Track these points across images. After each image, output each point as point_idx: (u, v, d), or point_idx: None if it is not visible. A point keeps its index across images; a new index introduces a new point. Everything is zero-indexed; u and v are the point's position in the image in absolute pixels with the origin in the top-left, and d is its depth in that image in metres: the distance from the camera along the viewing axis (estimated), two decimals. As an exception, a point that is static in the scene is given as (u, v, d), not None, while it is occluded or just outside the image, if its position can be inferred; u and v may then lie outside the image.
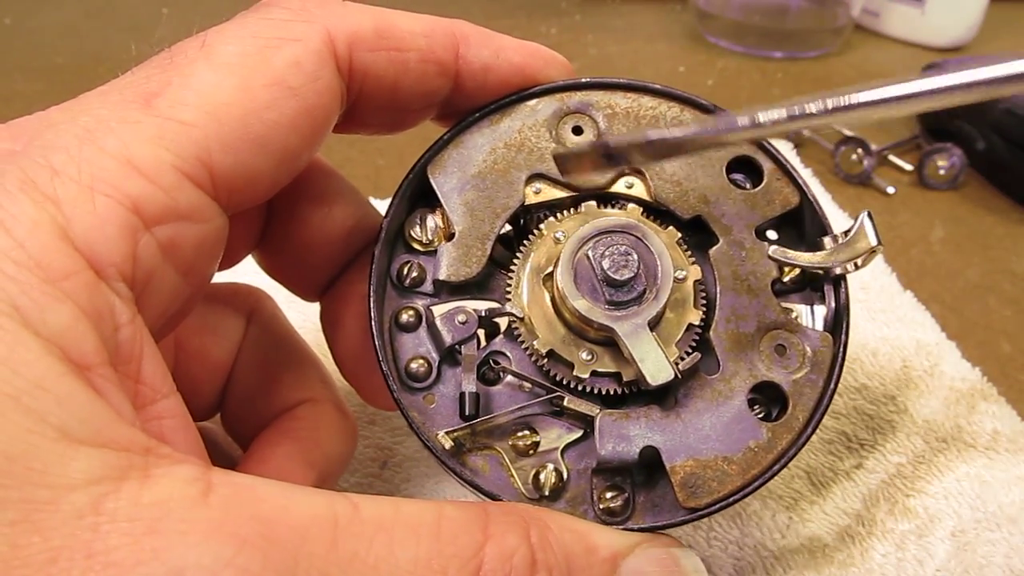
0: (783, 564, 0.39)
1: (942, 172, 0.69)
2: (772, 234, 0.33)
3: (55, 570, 0.18)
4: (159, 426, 0.23)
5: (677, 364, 0.29)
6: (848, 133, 0.71)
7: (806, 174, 0.69)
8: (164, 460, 0.20)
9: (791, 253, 0.31)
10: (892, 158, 0.72)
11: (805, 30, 0.96)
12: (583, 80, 0.33)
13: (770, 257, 0.31)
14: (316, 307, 0.37)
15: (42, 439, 0.18)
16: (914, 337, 0.50)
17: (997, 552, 0.39)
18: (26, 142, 0.22)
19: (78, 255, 0.21)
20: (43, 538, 0.18)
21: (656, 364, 0.29)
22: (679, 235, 0.32)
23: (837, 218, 0.62)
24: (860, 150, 0.69)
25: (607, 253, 0.29)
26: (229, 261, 0.34)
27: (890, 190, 0.69)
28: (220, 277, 0.35)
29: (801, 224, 0.33)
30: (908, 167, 0.72)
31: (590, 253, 0.30)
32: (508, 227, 0.33)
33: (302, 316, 0.44)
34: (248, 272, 0.37)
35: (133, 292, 0.22)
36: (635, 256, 0.29)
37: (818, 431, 0.45)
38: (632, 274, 0.29)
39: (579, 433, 0.31)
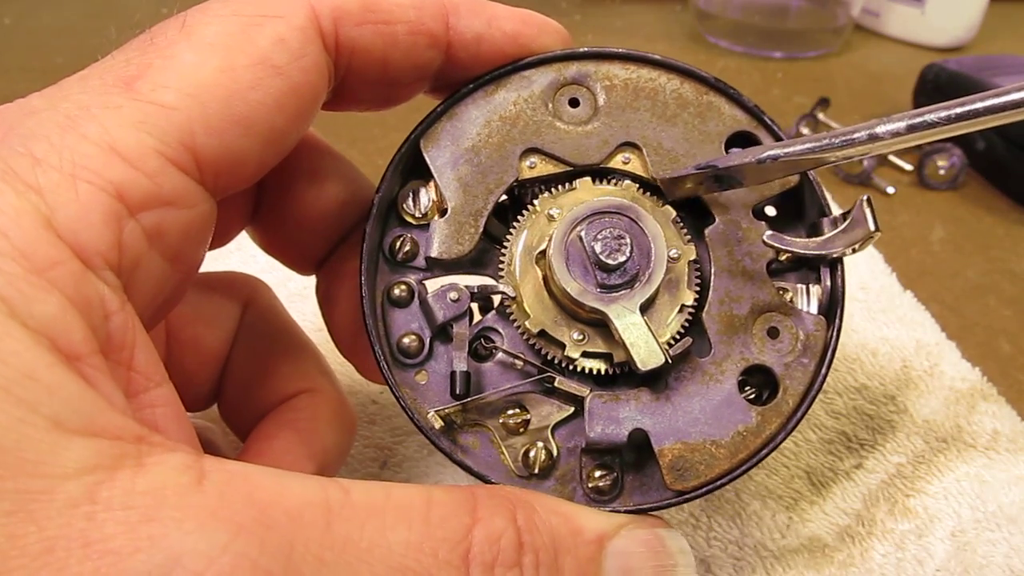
0: (783, 564, 0.39)
1: (942, 172, 0.69)
2: (771, 210, 0.33)
3: (52, 559, 0.17)
4: (152, 414, 0.23)
5: (668, 348, 0.29)
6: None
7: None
8: (157, 448, 0.20)
9: (787, 239, 0.30)
10: (892, 158, 0.72)
11: (805, 30, 0.96)
12: (580, 50, 0.32)
13: (765, 243, 0.30)
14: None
15: (34, 429, 0.18)
16: (914, 337, 0.50)
17: (997, 552, 0.39)
18: (6, 131, 0.22)
19: (63, 244, 0.21)
20: (39, 528, 0.18)
21: (647, 349, 0.28)
22: (675, 213, 0.31)
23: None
24: (860, 150, 0.69)
25: (599, 236, 0.29)
26: (221, 239, 0.34)
27: (890, 190, 0.68)
28: (220, 261, 0.34)
29: (801, 203, 0.33)
30: (908, 167, 0.71)
31: (583, 235, 0.29)
32: (503, 196, 0.32)
33: (301, 316, 0.44)
34: (247, 260, 0.37)
35: (120, 280, 0.22)
36: (628, 240, 0.29)
37: (818, 431, 0.45)
38: (624, 259, 0.29)
39: (570, 411, 0.31)
